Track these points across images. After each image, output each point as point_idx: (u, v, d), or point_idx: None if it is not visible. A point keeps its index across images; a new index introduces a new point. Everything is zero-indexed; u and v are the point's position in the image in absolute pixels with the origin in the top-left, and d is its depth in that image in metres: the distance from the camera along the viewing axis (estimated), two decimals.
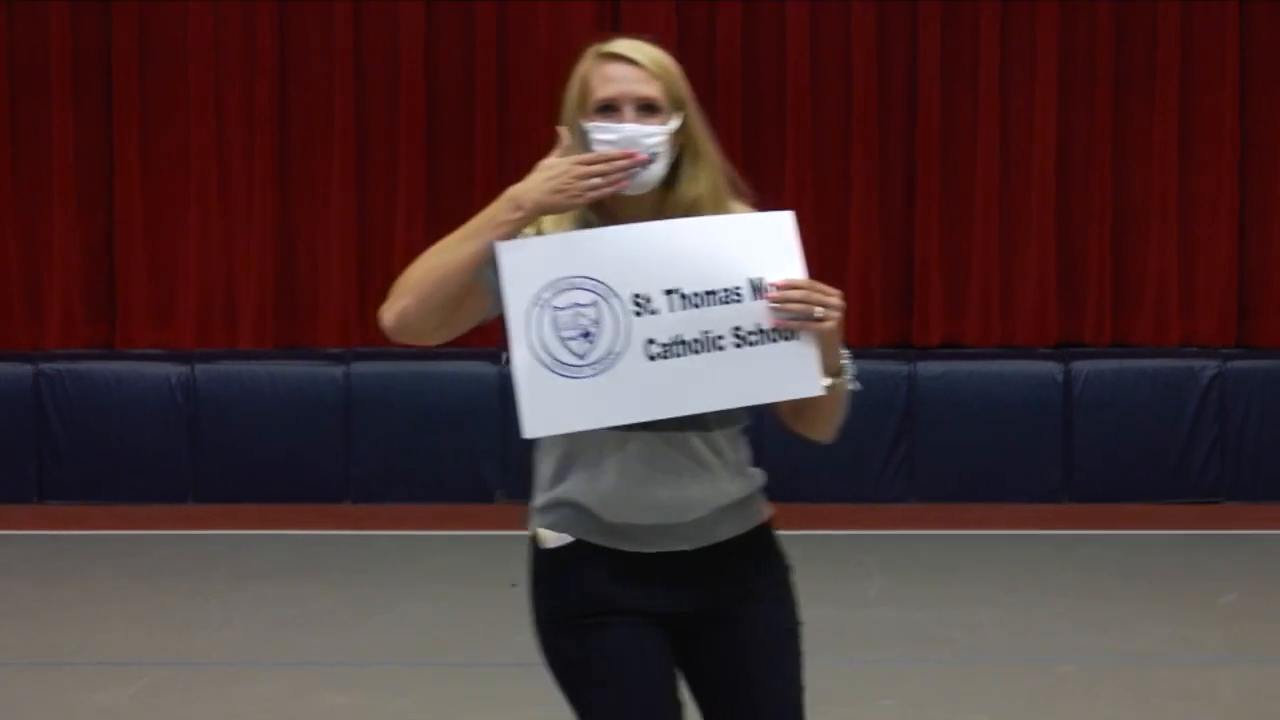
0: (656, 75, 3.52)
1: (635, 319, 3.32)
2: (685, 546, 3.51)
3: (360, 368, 12.23)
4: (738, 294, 3.33)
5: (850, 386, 3.46)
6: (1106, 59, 12.56)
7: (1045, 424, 12.06)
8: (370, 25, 12.57)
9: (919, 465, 12.01)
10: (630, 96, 3.49)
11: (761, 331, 3.34)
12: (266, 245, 12.56)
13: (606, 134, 3.46)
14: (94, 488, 12.02)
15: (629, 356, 3.31)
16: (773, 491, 3.66)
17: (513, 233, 3.38)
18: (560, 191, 3.36)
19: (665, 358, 3.32)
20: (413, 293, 3.43)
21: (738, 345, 3.33)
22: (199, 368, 12.19)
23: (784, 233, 3.38)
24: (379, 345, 12.52)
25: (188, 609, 8.96)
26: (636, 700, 3.49)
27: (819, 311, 3.33)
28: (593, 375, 3.31)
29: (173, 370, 12.18)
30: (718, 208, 3.48)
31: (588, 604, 3.50)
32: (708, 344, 3.33)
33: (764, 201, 3.56)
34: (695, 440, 3.47)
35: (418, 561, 10.22)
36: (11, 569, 10.11)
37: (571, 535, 3.52)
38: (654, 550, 3.50)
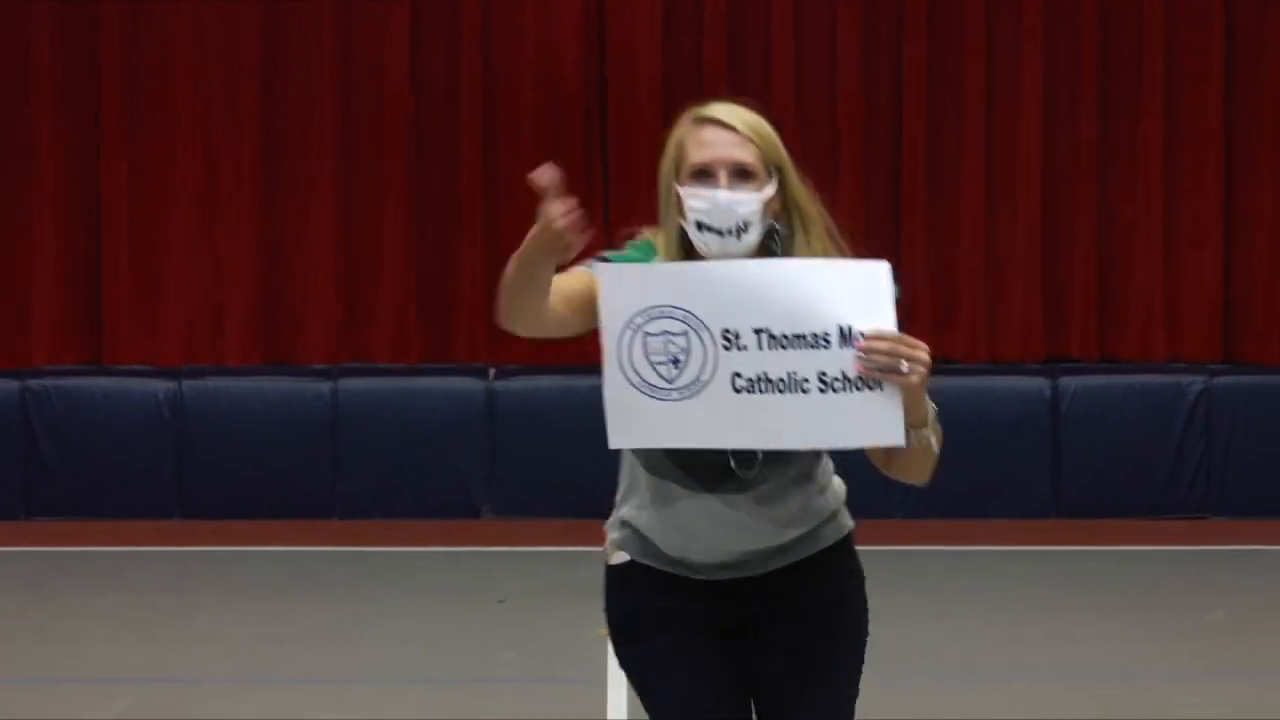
0: (752, 140, 3.53)
1: (724, 352, 3.39)
2: (743, 575, 3.63)
3: (347, 384, 12.22)
4: (826, 340, 3.37)
5: (933, 444, 3.48)
6: (1092, 77, 12.57)
7: (1033, 440, 12.06)
8: (355, 40, 12.56)
9: (904, 485, 11.98)
10: (724, 162, 3.51)
11: (846, 379, 3.38)
12: (253, 261, 12.54)
13: (699, 200, 3.50)
14: (81, 504, 12.00)
15: (714, 386, 3.39)
16: None
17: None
18: (540, 251, 3.36)
19: (750, 392, 3.39)
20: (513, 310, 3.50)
21: (821, 390, 3.38)
22: (186, 384, 12.17)
23: (878, 282, 3.40)
24: (366, 361, 12.52)
25: (174, 625, 8.95)
26: (688, 711, 3.62)
27: (905, 366, 3.35)
28: (678, 399, 3.41)
29: (160, 386, 12.16)
30: None
31: (645, 619, 3.66)
32: (792, 385, 3.38)
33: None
34: (755, 495, 3.57)
35: (405, 578, 10.20)
36: None
37: (631, 556, 3.69)
38: (704, 579, 3.63)
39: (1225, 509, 12.11)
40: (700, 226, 3.51)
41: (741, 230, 3.49)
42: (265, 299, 12.58)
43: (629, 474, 3.72)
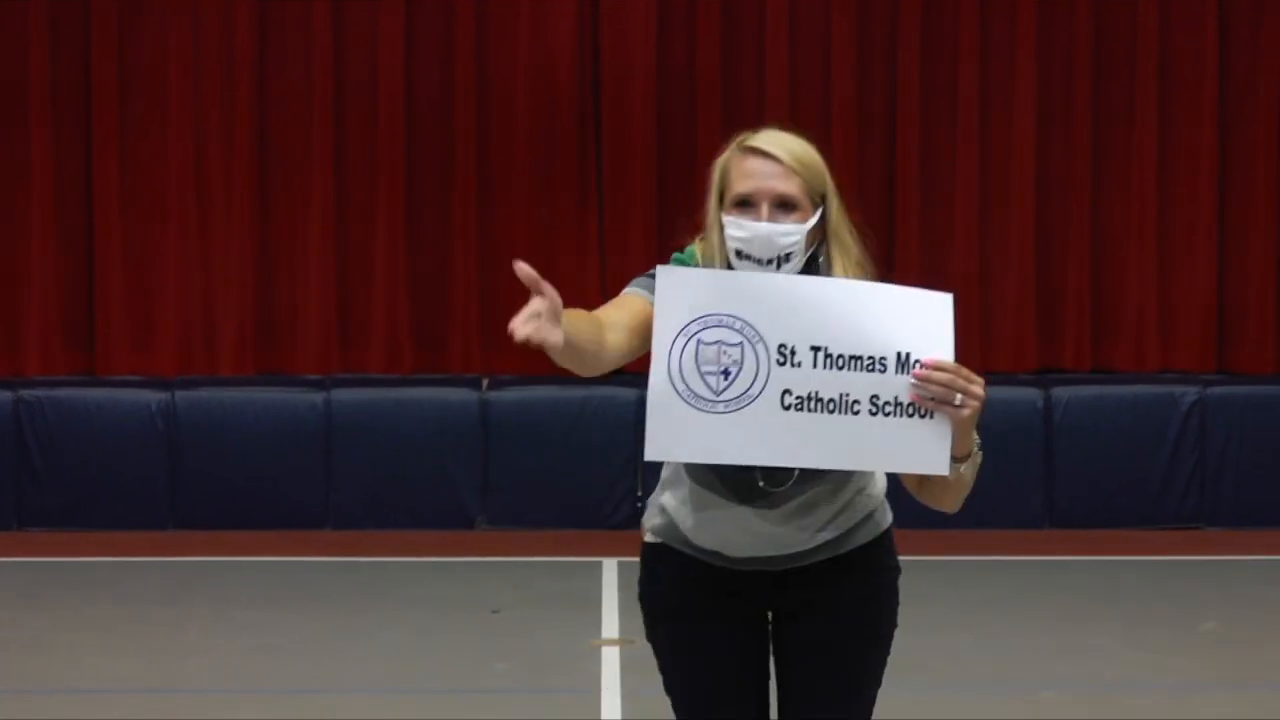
0: (796, 171, 3.55)
1: (777, 367, 3.35)
2: (772, 569, 3.67)
3: (340, 394, 12.21)
4: (883, 364, 3.37)
5: (971, 475, 3.54)
6: (1085, 87, 12.59)
7: (1026, 450, 12.06)
8: (348, 51, 12.56)
9: (899, 491, 11.98)
10: (767, 193, 3.53)
11: (899, 405, 3.38)
12: (246, 271, 12.54)
13: (740, 230, 3.52)
14: (73, 514, 11.99)
15: (762, 402, 3.36)
16: None
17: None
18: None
19: (799, 410, 3.36)
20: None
21: (872, 413, 3.37)
22: (179, 394, 12.17)
23: (942, 313, 3.43)
24: (359, 372, 12.52)
25: (167, 636, 8.94)
26: (709, 695, 3.71)
27: (959, 399, 3.38)
28: (724, 412, 3.36)
29: (153, 397, 12.16)
30: None
31: (670, 603, 3.73)
32: (843, 406, 3.36)
33: None
34: (787, 512, 3.60)
35: (399, 588, 10.19)
36: None
37: (664, 540, 3.74)
38: (742, 569, 3.68)
39: (1219, 519, 12.12)
40: (740, 255, 3.53)
41: (782, 260, 3.51)
42: (258, 309, 12.57)
43: (674, 466, 3.71)
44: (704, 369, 3.35)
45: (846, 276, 3.55)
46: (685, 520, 3.67)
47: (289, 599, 9.93)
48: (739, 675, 3.73)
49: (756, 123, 3.67)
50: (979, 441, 3.49)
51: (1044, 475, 12.12)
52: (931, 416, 3.39)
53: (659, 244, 11.60)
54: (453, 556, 11.04)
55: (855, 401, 3.36)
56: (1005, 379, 12.38)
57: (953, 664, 8.32)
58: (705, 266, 3.57)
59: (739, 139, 3.62)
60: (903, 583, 3.96)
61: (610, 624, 8.79)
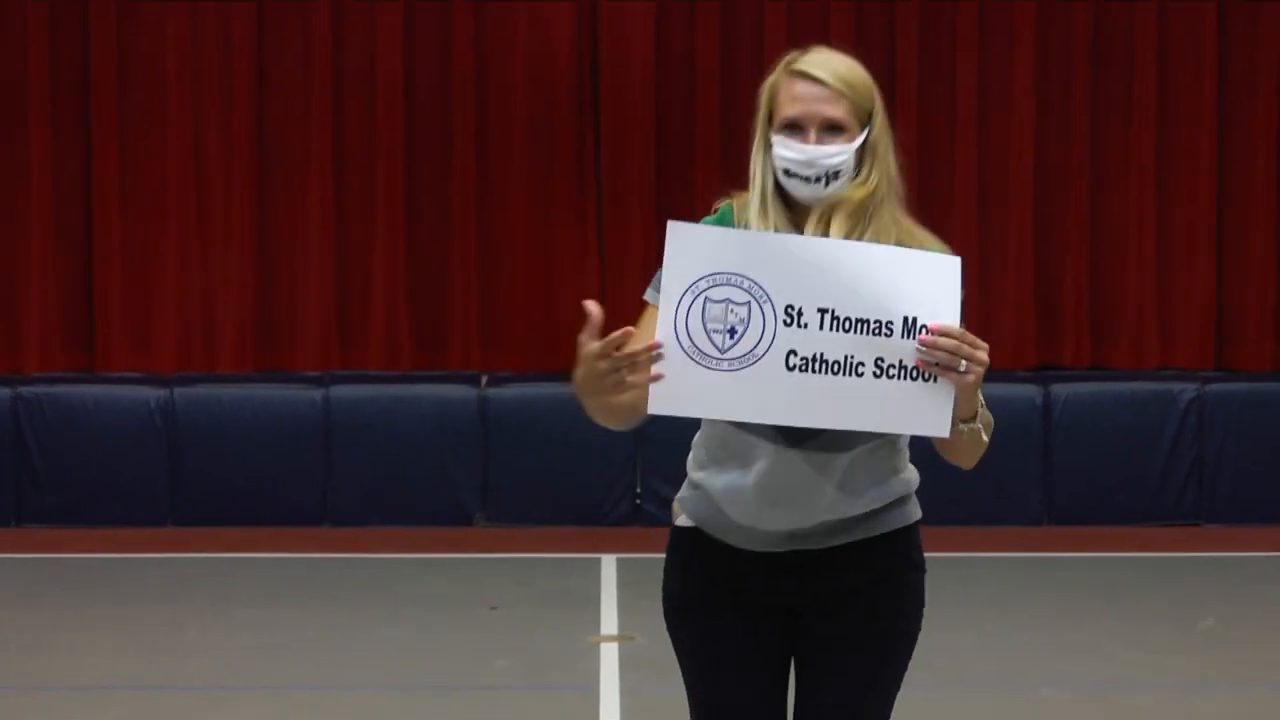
0: (844, 94, 3.57)
1: (784, 328, 3.37)
2: (804, 547, 3.62)
3: (339, 391, 12.22)
4: (889, 328, 3.38)
5: (982, 435, 3.54)
6: (1084, 85, 12.60)
7: (1025, 447, 12.06)
8: (347, 50, 12.57)
9: None
10: (815, 118, 3.55)
11: (903, 368, 3.39)
12: (245, 269, 12.55)
13: (789, 150, 3.54)
14: (72, 512, 12.00)
15: (767, 361, 3.37)
16: None
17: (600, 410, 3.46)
18: (591, 389, 3.37)
19: (803, 371, 3.37)
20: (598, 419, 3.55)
21: (876, 375, 3.39)
22: (178, 391, 12.17)
23: (949, 277, 3.46)
24: (358, 369, 12.52)
25: (166, 633, 8.94)
26: (730, 688, 3.69)
27: (964, 365, 3.42)
28: (728, 370, 3.37)
29: (152, 394, 12.16)
30: (878, 213, 3.60)
31: (691, 594, 3.71)
32: (848, 368, 3.38)
33: None
34: (840, 459, 3.57)
35: (397, 586, 10.19)
36: None
37: (693, 521, 3.69)
38: (765, 550, 3.62)
39: (1217, 516, 12.13)
40: (788, 173, 3.55)
41: (831, 178, 3.54)
42: (257, 306, 12.59)
43: (707, 438, 3.68)
44: (710, 326, 3.36)
45: (873, 190, 3.59)
46: (722, 487, 3.62)
47: (288, 596, 9.93)
48: (759, 670, 3.71)
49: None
50: (984, 401, 3.47)
51: (1043, 472, 12.13)
52: (935, 380, 3.40)
53: (657, 233, 11.61)
54: (452, 553, 11.04)
55: (860, 364, 3.37)
56: (1004, 376, 12.39)
57: (953, 662, 8.32)
58: (751, 191, 3.59)
59: (787, 59, 3.64)
60: None
61: (609, 621, 8.80)
